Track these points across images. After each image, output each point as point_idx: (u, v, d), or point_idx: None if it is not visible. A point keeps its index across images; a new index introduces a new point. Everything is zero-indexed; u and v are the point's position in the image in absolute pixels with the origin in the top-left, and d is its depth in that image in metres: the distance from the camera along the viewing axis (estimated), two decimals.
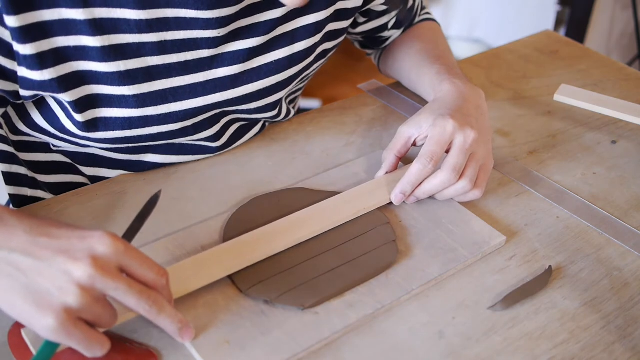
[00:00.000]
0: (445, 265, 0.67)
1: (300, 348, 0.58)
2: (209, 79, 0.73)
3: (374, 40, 0.96)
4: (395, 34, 0.96)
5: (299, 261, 0.66)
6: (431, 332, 0.61)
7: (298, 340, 0.59)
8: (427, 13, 0.99)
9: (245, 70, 0.75)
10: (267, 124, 0.87)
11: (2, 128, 0.80)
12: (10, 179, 0.82)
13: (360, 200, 0.72)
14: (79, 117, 0.69)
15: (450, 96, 0.77)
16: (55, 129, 0.74)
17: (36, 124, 0.76)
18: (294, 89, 0.87)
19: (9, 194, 0.83)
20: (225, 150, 0.83)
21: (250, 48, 0.74)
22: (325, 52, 0.84)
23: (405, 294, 0.64)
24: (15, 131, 0.79)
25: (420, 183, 0.72)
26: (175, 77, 0.71)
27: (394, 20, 0.92)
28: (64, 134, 0.74)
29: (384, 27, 0.93)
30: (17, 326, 0.58)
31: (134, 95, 0.69)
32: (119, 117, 0.70)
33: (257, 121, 0.85)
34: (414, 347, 0.60)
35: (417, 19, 0.98)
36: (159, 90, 0.71)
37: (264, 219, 0.70)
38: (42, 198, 0.82)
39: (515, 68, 1.04)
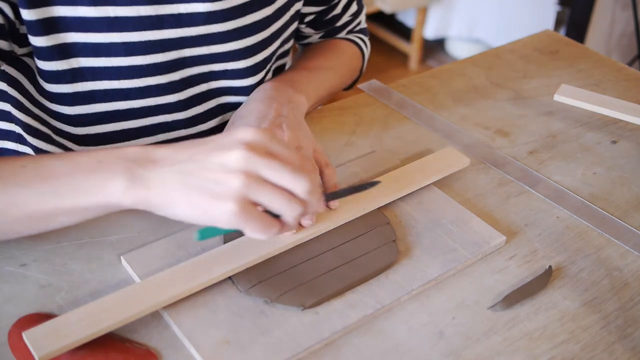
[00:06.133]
0: (445, 265, 0.67)
1: (300, 348, 0.58)
2: (201, 33, 0.75)
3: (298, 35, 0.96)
4: (314, 36, 0.95)
5: (299, 261, 0.66)
6: (431, 332, 0.61)
7: (298, 340, 0.59)
8: (361, 33, 0.97)
9: (237, 27, 0.76)
10: None
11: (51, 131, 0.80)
12: None
13: (360, 200, 0.72)
14: (61, 65, 0.71)
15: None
16: (44, 97, 0.75)
17: (43, 103, 0.76)
18: (279, 57, 0.88)
19: None
20: (210, 123, 0.83)
21: (245, 3, 0.76)
22: (298, 15, 0.86)
23: (405, 294, 0.64)
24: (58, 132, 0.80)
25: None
26: (167, 29, 0.73)
27: (312, 17, 0.91)
28: (53, 101, 0.74)
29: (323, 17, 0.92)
30: (17, 326, 0.58)
31: (123, 43, 0.71)
32: (108, 67, 0.72)
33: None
34: (414, 347, 0.60)
35: (343, 33, 0.96)
36: (150, 40, 0.72)
37: None
38: None
39: (515, 68, 1.04)
